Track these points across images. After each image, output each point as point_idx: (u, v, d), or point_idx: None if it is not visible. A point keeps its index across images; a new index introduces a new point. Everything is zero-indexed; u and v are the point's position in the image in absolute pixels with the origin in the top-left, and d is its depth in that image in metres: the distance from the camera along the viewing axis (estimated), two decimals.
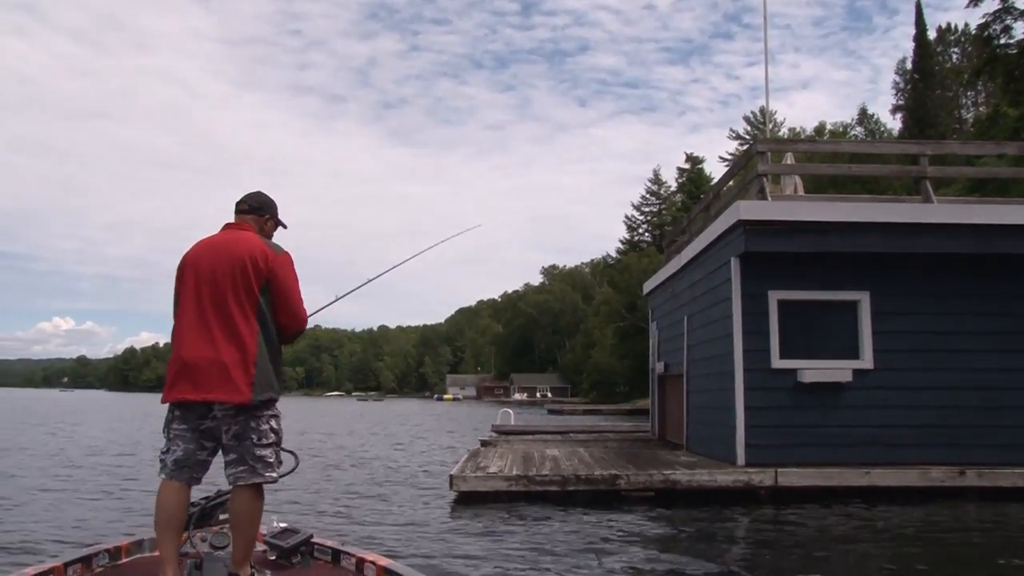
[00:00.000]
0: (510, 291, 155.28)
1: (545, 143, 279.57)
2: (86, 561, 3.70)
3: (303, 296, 3.70)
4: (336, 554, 4.00)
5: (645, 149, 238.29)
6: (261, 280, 3.51)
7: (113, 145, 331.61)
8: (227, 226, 3.76)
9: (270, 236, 3.86)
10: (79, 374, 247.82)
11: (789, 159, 12.36)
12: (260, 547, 3.88)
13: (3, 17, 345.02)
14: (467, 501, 9.27)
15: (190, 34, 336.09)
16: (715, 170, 73.60)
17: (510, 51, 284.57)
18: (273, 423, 3.55)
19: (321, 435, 25.15)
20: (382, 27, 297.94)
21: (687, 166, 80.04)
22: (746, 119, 75.33)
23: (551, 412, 51.97)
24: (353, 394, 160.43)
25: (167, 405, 3.55)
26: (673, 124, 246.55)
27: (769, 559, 6.80)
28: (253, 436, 3.46)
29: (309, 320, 3.79)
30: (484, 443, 15.58)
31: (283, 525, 4.14)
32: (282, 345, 3.66)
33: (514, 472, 9.71)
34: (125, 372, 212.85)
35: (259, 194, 3.90)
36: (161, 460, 3.54)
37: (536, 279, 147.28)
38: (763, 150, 10.47)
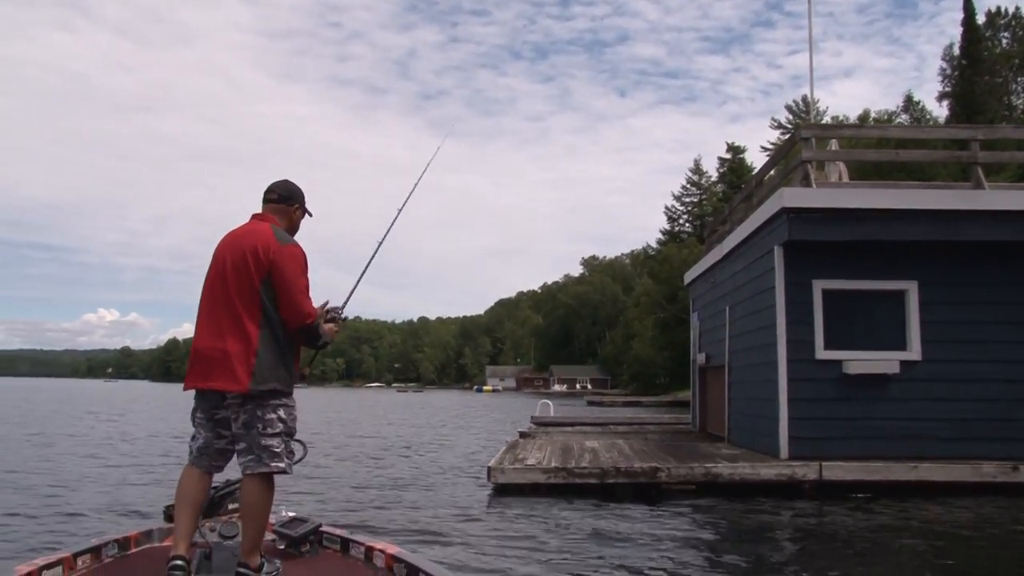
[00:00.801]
0: (550, 282, 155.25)
1: (585, 134, 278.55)
2: (95, 551, 3.72)
3: (309, 287, 3.66)
4: (345, 543, 4.00)
5: (685, 139, 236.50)
6: (262, 273, 3.51)
7: (155, 138, 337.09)
8: (254, 216, 3.79)
9: (297, 225, 3.88)
10: (123, 365, 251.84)
11: (833, 146, 12.09)
12: (269, 536, 3.90)
13: (51, 13, 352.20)
14: (505, 493, 9.20)
15: (231, 27, 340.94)
16: (756, 160, 72.75)
17: (549, 42, 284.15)
18: (281, 413, 3.55)
19: (360, 426, 25.27)
20: (421, 19, 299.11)
21: (728, 156, 79.18)
22: (788, 108, 74.23)
23: (591, 404, 51.79)
24: (393, 385, 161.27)
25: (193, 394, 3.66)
26: (713, 114, 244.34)
27: (814, 555, 6.62)
28: (259, 425, 3.49)
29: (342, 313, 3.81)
30: (523, 435, 15.50)
31: (292, 514, 4.15)
32: (299, 343, 3.66)
33: (552, 464, 9.61)
34: (168, 363, 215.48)
35: (287, 183, 3.88)
36: (189, 447, 3.65)
37: (576, 270, 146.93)
38: (807, 136, 10.22)
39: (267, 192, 3.83)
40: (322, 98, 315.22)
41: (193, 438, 3.63)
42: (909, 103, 65.91)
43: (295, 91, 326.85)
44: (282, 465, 3.54)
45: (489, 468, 9.55)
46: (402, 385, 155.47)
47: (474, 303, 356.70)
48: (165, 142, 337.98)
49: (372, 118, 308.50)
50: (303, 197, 3.91)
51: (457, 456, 14.88)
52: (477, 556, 6.21)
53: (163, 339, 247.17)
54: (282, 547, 3.91)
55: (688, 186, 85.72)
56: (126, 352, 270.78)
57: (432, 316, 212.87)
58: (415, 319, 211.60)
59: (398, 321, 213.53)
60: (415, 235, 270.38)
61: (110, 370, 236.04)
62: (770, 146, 68.90)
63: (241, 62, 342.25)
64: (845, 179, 12.29)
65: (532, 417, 22.17)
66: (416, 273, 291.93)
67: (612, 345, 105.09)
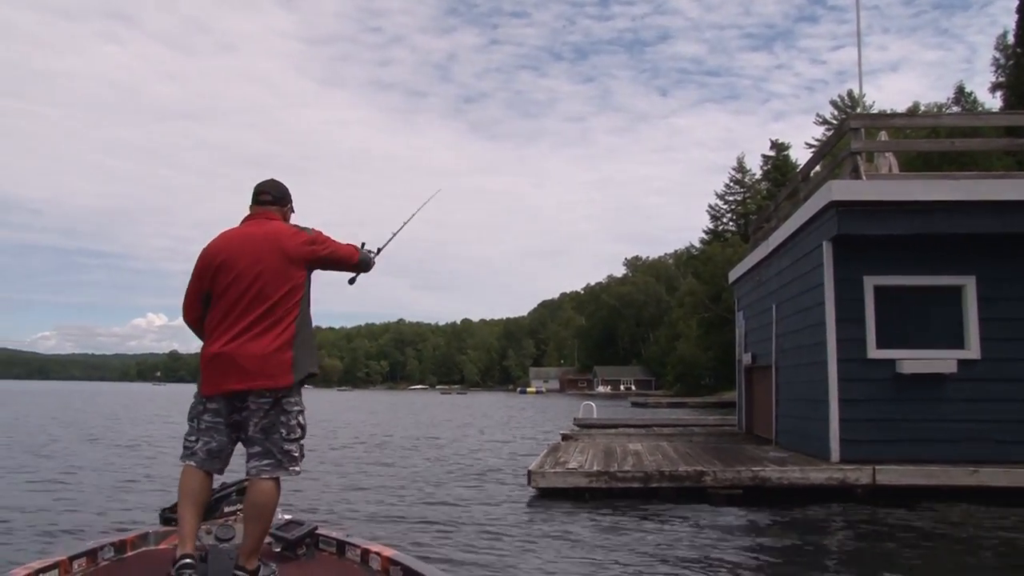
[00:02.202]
0: (593, 283, 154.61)
1: (626, 134, 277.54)
2: (91, 555, 3.70)
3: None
4: (341, 545, 4.00)
5: (728, 138, 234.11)
6: (300, 262, 3.60)
7: (200, 145, 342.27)
8: (251, 217, 3.77)
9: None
10: (171, 368, 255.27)
11: (883, 137, 11.69)
12: (266, 539, 3.86)
13: (100, 26, 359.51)
14: (546, 497, 9.04)
15: (273, 34, 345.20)
16: (801, 157, 71.59)
17: (589, 42, 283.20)
18: (301, 419, 3.59)
19: (403, 427, 25.24)
20: (461, 22, 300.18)
21: (772, 153, 78.05)
22: (833, 103, 72.81)
23: (634, 405, 51.49)
24: (437, 387, 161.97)
25: (195, 396, 3.61)
26: (757, 112, 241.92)
27: (869, 563, 6.33)
28: (282, 431, 3.51)
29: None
30: (565, 437, 15.30)
31: (288, 517, 4.11)
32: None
33: (594, 468, 9.40)
34: None
35: (276, 183, 3.90)
36: (187, 448, 3.56)
37: (619, 271, 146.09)
38: (856, 126, 9.84)
39: (260, 193, 3.81)
40: (364, 102, 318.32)
41: (196, 440, 3.55)
42: (961, 94, 64.26)
43: (337, 96, 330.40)
44: (298, 469, 3.58)
45: (530, 471, 9.37)
46: (446, 387, 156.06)
47: (517, 305, 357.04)
48: (210, 149, 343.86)
49: (413, 122, 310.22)
50: (291, 196, 3.94)
51: (499, 458, 14.73)
52: (514, 563, 6.06)
53: None
54: (278, 550, 3.88)
55: (731, 184, 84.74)
56: (174, 356, 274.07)
57: (475, 318, 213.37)
58: (458, 321, 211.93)
59: (442, 323, 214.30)
60: (458, 237, 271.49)
61: (159, 374, 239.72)
62: (815, 142, 67.77)
63: (284, 68, 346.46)
64: (895, 171, 11.89)
65: (575, 419, 22.02)
66: (459, 275, 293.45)
67: (656, 346, 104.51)
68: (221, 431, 3.53)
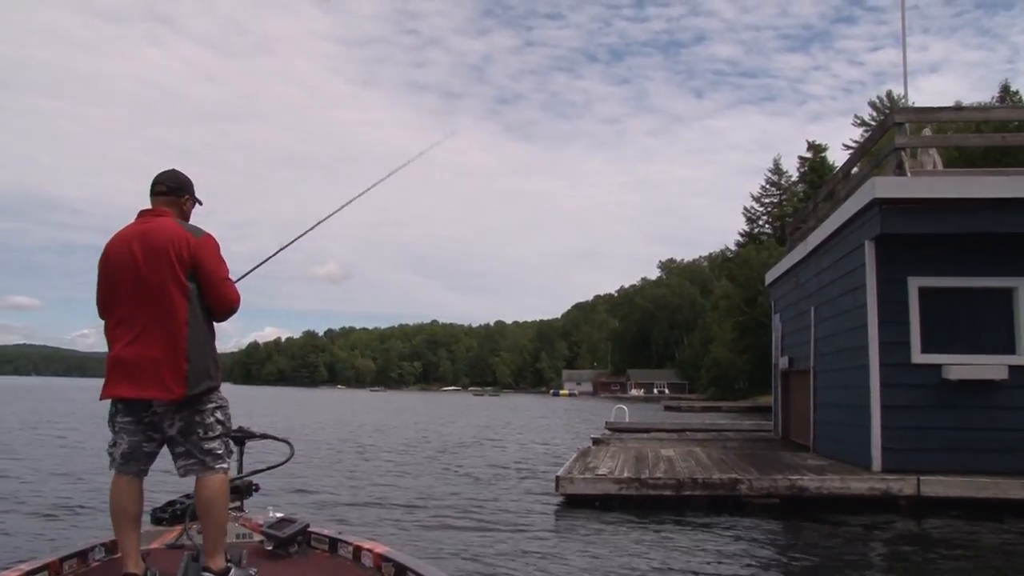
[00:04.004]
0: (627, 286, 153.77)
1: (662, 135, 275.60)
2: (82, 556, 3.66)
3: (231, 275, 3.61)
4: (333, 543, 3.96)
5: (764, 140, 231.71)
6: (186, 268, 3.40)
7: (238, 146, 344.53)
8: (143, 213, 3.59)
9: (189, 216, 3.73)
10: None
11: (927, 133, 11.24)
12: (257, 537, 3.93)
13: (142, 29, 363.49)
14: (574, 504, 8.81)
15: (310, 36, 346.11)
16: (838, 159, 70.53)
17: (624, 44, 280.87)
18: (218, 415, 3.49)
19: (434, 429, 25.06)
20: (496, 23, 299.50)
21: (809, 155, 76.88)
22: (872, 104, 71.67)
23: (668, 409, 50.92)
24: (469, 389, 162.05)
25: (109, 400, 3.47)
26: (793, 113, 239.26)
27: None
28: (199, 431, 3.42)
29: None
30: (596, 441, 15.02)
31: (280, 515, 4.06)
32: (217, 321, 3.58)
33: (625, 474, 9.12)
34: (248, 366, 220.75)
35: (175, 173, 3.73)
36: (109, 454, 3.47)
37: (653, 273, 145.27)
38: (901, 121, 9.44)
39: (155, 184, 3.65)
40: (399, 104, 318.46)
41: (114, 444, 3.43)
42: (1006, 93, 62.92)
43: (373, 97, 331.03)
44: (225, 466, 3.49)
45: (558, 478, 9.10)
46: (479, 389, 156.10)
47: (551, 307, 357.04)
48: (247, 149, 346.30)
49: (449, 123, 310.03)
50: (192, 186, 3.75)
51: (529, 462, 14.45)
52: (538, 573, 5.84)
53: (244, 342, 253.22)
54: (270, 548, 3.82)
55: (767, 186, 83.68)
56: None
57: (509, 320, 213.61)
58: (492, 323, 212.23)
59: (475, 325, 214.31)
60: (492, 238, 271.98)
61: None
62: (853, 144, 66.70)
63: (320, 70, 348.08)
64: (940, 168, 11.43)
65: (607, 422, 21.74)
66: (493, 277, 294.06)
67: (690, 349, 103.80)
68: (131, 431, 3.41)
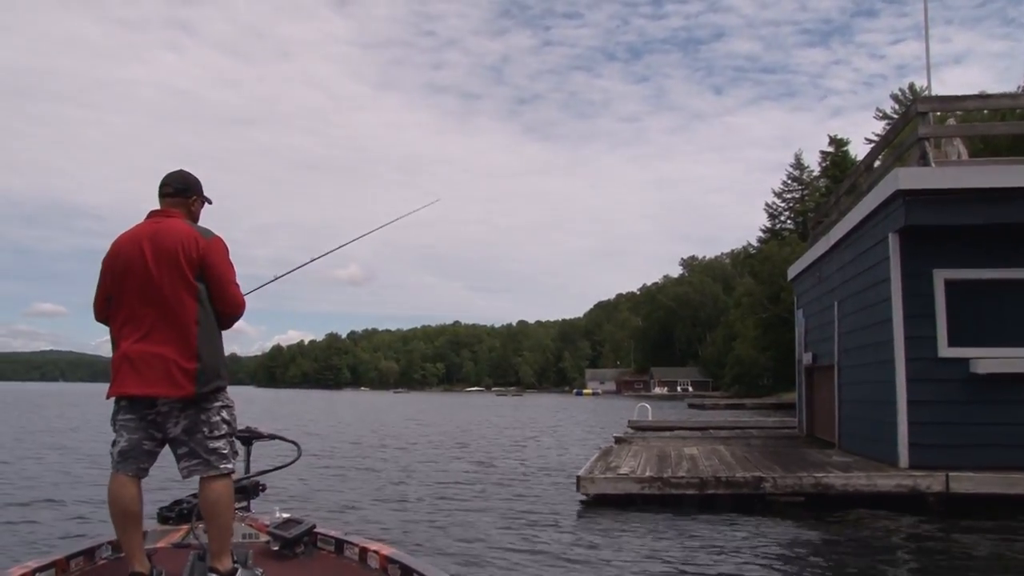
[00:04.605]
0: (649, 284, 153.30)
1: (681, 133, 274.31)
2: (88, 554, 3.67)
3: (239, 281, 3.63)
4: (340, 544, 3.96)
5: (785, 135, 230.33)
6: (195, 268, 3.42)
7: (258, 150, 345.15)
8: (152, 214, 3.61)
9: (198, 216, 3.75)
10: (231, 371, 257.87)
11: (952, 123, 11.05)
12: (263, 538, 3.93)
13: (160, 35, 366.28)
14: (596, 504, 8.72)
15: (329, 39, 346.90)
16: (860, 153, 69.88)
17: (643, 41, 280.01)
18: (224, 414, 3.47)
19: (455, 429, 25.03)
20: (514, 24, 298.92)
21: (831, 149, 76.27)
22: (894, 97, 71.04)
23: (691, 407, 50.65)
24: (492, 389, 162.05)
25: (112, 400, 3.47)
26: (814, 109, 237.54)
27: None
28: (204, 429, 3.39)
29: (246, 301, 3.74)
30: (618, 440, 14.89)
31: (286, 515, 4.08)
32: (221, 329, 3.58)
33: (647, 473, 9.01)
34: (272, 368, 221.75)
35: (182, 174, 3.74)
36: (111, 453, 3.45)
37: (675, 271, 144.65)
38: (924, 110, 9.25)
39: (163, 186, 3.66)
40: (418, 105, 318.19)
41: (114, 443, 3.43)
42: None
43: (392, 99, 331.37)
44: (231, 466, 3.47)
45: (579, 477, 8.99)
46: (502, 389, 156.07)
47: (573, 306, 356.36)
48: (268, 153, 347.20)
49: (468, 124, 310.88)
50: (200, 186, 3.77)
51: (551, 461, 14.36)
52: (558, 574, 5.69)
53: (268, 345, 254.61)
54: (276, 548, 3.84)
55: (789, 182, 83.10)
56: (233, 359, 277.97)
57: (531, 319, 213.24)
58: (514, 323, 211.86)
59: (497, 325, 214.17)
60: (513, 239, 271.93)
61: None
62: (875, 138, 66.10)
63: (339, 73, 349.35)
64: (965, 159, 11.22)
65: (629, 421, 21.61)
66: (515, 277, 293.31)
67: (713, 346, 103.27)
68: (131, 428, 3.40)
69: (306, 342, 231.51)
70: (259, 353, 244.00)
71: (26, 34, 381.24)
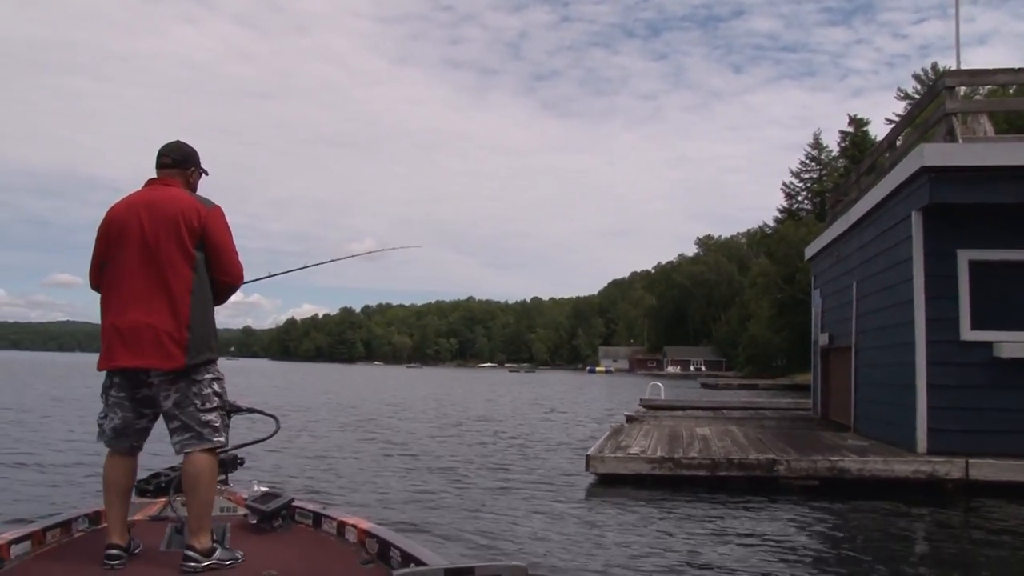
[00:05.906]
0: (664, 262, 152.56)
1: (699, 111, 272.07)
2: (65, 526, 3.67)
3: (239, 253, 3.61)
4: (317, 517, 3.98)
5: (804, 115, 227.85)
6: (195, 238, 3.39)
7: (275, 124, 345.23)
8: (151, 182, 3.58)
9: (195, 187, 3.72)
10: (245, 344, 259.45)
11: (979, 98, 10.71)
12: (241, 511, 3.95)
13: (176, 8, 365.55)
14: (606, 484, 8.60)
15: (347, 13, 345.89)
16: (880, 133, 69.05)
17: (662, 19, 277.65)
18: (215, 386, 3.44)
19: (471, 404, 24.96)
20: None
21: (851, 129, 75.42)
22: (916, 77, 70.07)
23: (704, 386, 50.55)
24: (506, 365, 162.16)
25: (104, 372, 3.44)
26: (834, 88, 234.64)
27: (961, 569, 5.64)
28: (196, 402, 3.36)
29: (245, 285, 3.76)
30: (630, 419, 14.71)
31: (264, 489, 4.09)
32: (216, 304, 3.55)
33: (658, 453, 8.86)
34: (286, 342, 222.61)
35: (180, 144, 3.71)
36: (100, 427, 3.46)
37: (690, 250, 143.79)
38: (952, 84, 8.96)
39: (160, 157, 3.63)
40: (436, 81, 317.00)
41: (106, 418, 3.42)
42: None
43: (409, 74, 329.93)
44: (223, 440, 3.44)
45: (588, 456, 8.86)
46: (515, 365, 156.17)
47: (587, 283, 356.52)
48: (284, 127, 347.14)
49: (485, 100, 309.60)
50: (198, 158, 3.74)
51: (561, 439, 14.22)
52: (565, 555, 5.58)
53: (282, 319, 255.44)
54: (254, 521, 3.84)
55: (807, 162, 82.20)
56: (247, 331, 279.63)
57: (545, 296, 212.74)
58: (528, 299, 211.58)
59: (511, 302, 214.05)
60: (528, 216, 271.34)
61: (232, 349, 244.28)
62: (896, 118, 65.26)
63: (356, 48, 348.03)
64: (991, 135, 10.90)
65: (641, 399, 21.43)
66: (529, 253, 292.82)
67: (727, 326, 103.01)
68: (125, 407, 3.39)
69: (320, 316, 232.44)
70: (273, 326, 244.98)
71: (43, 6, 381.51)
